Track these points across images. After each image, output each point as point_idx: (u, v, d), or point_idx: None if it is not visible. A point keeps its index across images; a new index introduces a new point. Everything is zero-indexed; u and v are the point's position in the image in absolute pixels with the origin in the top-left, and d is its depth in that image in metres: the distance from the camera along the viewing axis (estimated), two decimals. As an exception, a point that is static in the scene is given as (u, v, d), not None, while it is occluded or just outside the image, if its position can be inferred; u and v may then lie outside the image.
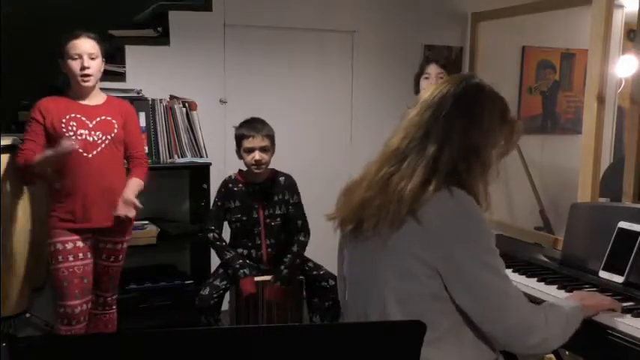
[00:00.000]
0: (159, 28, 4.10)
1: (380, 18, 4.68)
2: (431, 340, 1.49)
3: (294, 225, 3.34)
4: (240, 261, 3.21)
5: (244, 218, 3.28)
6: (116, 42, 3.91)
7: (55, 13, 4.17)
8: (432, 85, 1.72)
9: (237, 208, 3.29)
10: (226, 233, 3.39)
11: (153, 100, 3.78)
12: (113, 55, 3.70)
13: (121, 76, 3.90)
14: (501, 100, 1.65)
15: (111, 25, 3.91)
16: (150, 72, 3.99)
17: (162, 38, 4.09)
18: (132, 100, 3.44)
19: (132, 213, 2.99)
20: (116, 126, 2.99)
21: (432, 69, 3.53)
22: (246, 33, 4.31)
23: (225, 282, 3.22)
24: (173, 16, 4.10)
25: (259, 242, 3.30)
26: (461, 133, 1.57)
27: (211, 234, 3.29)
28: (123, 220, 3.00)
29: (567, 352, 2.66)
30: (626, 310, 1.82)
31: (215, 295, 3.16)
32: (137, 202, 2.98)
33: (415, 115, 1.63)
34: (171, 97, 3.90)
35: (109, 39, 3.82)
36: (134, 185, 3.03)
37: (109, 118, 2.98)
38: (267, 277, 3.22)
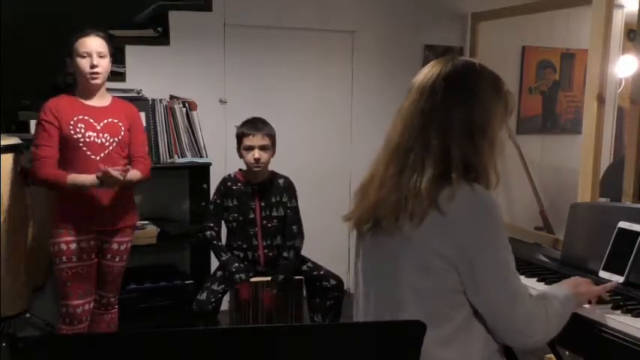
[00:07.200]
0: (159, 28, 4.10)
1: (380, 18, 4.68)
2: (444, 337, 1.52)
3: (290, 230, 3.33)
4: (237, 264, 3.19)
5: (240, 218, 3.27)
6: (116, 42, 3.89)
7: (55, 13, 4.16)
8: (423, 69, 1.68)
9: (235, 207, 3.28)
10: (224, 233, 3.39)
11: (153, 100, 3.78)
12: (113, 55, 3.71)
13: (121, 76, 3.91)
14: (492, 74, 1.62)
15: (111, 25, 3.90)
16: (150, 72, 4.00)
17: (162, 38, 4.09)
18: (132, 100, 3.44)
19: (116, 174, 2.78)
20: (123, 129, 2.98)
21: None
22: (246, 33, 4.31)
23: (222, 285, 3.20)
24: (173, 16, 4.10)
25: (256, 243, 3.29)
26: (461, 116, 1.55)
27: (209, 232, 3.28)
28: (123, 221, 3.02)
29: (567, 352, 2.66)
30: (626, 310, 1.82)
31: (213, 300, 3.13)
32: (118, 175, 2.78)
33: (410, 103, 1.60)
34: (171, 97, 3.90)
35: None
36: (132, 173, 2.91)
37: (115, 121, 2.97)
38: (265, 278, 3.22)
